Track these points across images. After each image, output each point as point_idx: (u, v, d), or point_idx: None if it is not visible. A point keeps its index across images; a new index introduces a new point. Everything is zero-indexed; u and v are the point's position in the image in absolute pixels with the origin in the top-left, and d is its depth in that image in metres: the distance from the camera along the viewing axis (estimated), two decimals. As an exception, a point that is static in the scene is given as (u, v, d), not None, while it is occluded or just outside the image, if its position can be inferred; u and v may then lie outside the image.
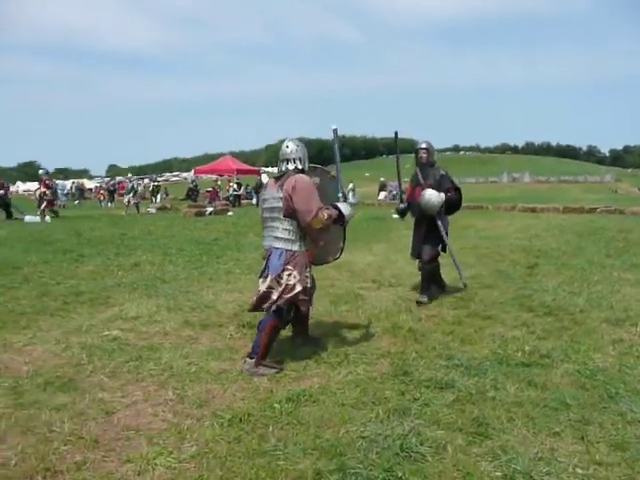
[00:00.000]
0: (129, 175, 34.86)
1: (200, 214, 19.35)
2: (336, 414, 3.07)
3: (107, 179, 38.84)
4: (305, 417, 3.05)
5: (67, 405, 3.26)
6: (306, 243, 3.93)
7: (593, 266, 7.54)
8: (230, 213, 20.31)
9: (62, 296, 6.14)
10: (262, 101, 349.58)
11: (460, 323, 4.83)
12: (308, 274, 3.93)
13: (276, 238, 3.90)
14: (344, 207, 4.08)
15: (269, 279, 3.85)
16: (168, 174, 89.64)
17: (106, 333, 4.70)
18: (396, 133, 6.59)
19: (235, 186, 27.07)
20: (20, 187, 67.55)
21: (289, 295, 3.80)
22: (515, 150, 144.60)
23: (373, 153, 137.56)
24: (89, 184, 45.18)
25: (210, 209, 20.50)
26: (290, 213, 3.81)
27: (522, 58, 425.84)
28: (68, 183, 39.47)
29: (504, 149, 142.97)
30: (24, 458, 2.67)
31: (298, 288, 3.81)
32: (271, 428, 2.93)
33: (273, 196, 3.94)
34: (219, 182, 32.02)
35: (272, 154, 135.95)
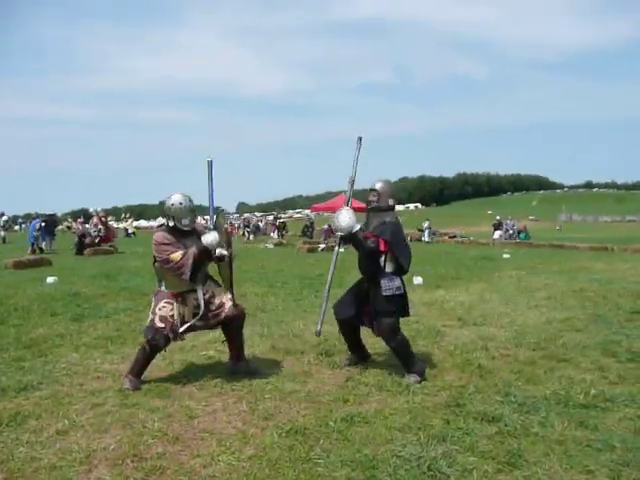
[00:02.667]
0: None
1: (312, 250, 20.27)
2: (381, 435, 3.37)
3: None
4: (353, 435, 3.39)
5: (160, 408, 3.91)
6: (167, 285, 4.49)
7: None
8: (342, 249, 20.96)
9: (175, 320, 7.02)
10: (388, 140, 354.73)
11: (532, 364, 4.85)
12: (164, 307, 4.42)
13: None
14: (205, 237, 4.38)
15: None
16: (291, 211, 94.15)
17: (203, 353, 5.40)
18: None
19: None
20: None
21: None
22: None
23: (497, 191, 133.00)
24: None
25: (322, 245, 21.38)
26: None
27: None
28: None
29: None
30: (120, 445, 3.31)
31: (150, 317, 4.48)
32: (321, 441, 3.31)
33: None
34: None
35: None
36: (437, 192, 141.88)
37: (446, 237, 28.55)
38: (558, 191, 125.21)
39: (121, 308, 7.89)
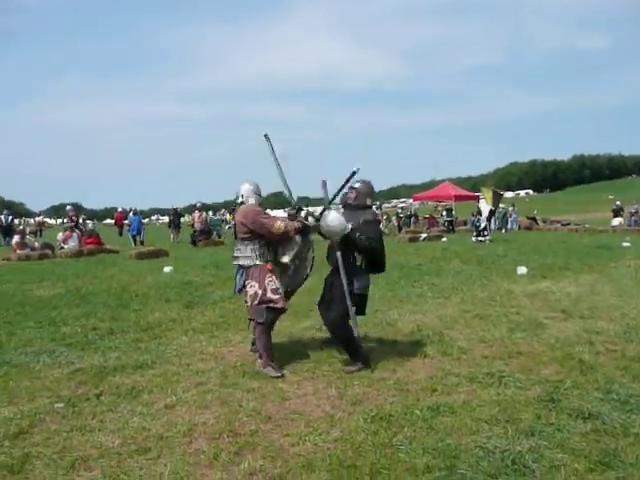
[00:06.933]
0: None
1: (414, 240, 20.03)
2: (467, 426, 3.34)
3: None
4: (438, 424, 3.40)
5: (255, 389, 4.17)
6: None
7: None
8: (444, 239, 20.50)
9: (275, 307, 7.36)
10: (494, 125, 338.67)
11: (642, 360, 4.51)
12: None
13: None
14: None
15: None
16: (395, 200, 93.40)
17: (298, 339, 5.62)
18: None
19: (445, 213, 27.36)
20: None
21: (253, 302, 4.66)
22: None
23: (620, 173, 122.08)
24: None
25: (424, 235, 21.06)
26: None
27: None
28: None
29: None
30: (218, 421, 3.59)
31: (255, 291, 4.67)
32: (405, 429, 3.36)
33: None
34: (439, 208, 32.56)
35: (500, 177, 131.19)
36: (550, 176, 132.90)
37: (558, 225, 26.86)
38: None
39: (227, 296, 8.38)
